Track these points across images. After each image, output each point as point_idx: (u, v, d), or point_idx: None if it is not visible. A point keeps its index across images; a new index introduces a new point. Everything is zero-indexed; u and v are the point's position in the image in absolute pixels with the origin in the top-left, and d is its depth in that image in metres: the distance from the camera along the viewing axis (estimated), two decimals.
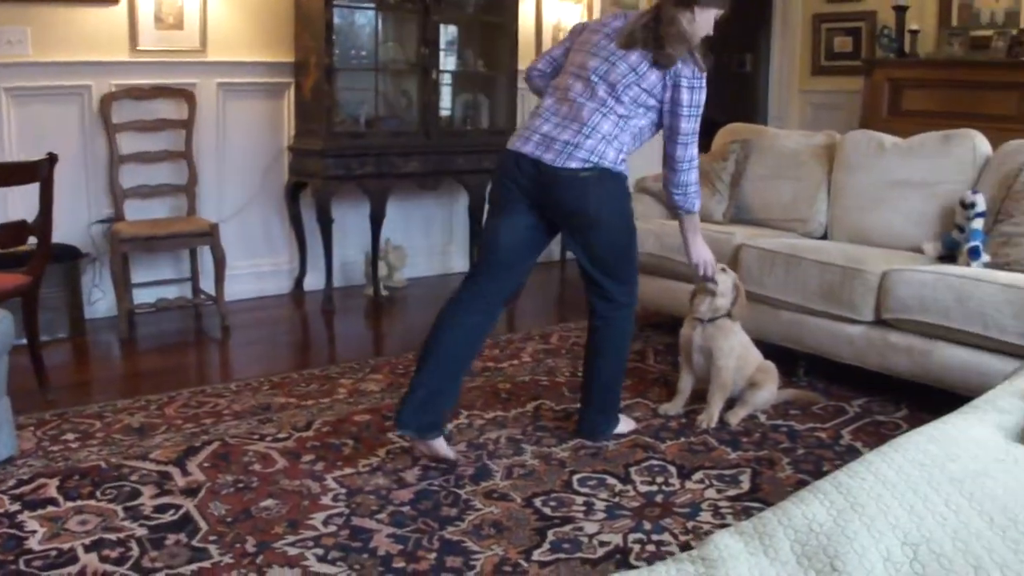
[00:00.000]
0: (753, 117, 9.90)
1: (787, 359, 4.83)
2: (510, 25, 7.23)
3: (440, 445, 3.82)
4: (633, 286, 4.04)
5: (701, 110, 3.80)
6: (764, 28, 10.48)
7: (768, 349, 4.64)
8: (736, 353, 4.34)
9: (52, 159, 4.42)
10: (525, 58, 7.36)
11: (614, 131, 3.72)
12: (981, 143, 5.09)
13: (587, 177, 3.68)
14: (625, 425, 4.22)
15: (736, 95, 11.90)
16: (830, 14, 9.25)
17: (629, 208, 3.93)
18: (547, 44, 8.10)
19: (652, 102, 3.77)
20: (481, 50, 7.33)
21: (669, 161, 3.89)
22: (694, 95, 3.75)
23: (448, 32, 7.25)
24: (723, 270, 4.33)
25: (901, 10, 8.15)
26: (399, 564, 3.02)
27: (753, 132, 6.24)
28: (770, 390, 4.42)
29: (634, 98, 3.73)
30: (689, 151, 3.84)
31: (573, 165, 3.67)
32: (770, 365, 4.48)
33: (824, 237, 5.51)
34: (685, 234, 4.13)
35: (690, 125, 3.79)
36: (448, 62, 7.29)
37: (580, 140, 3.68)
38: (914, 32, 8.05)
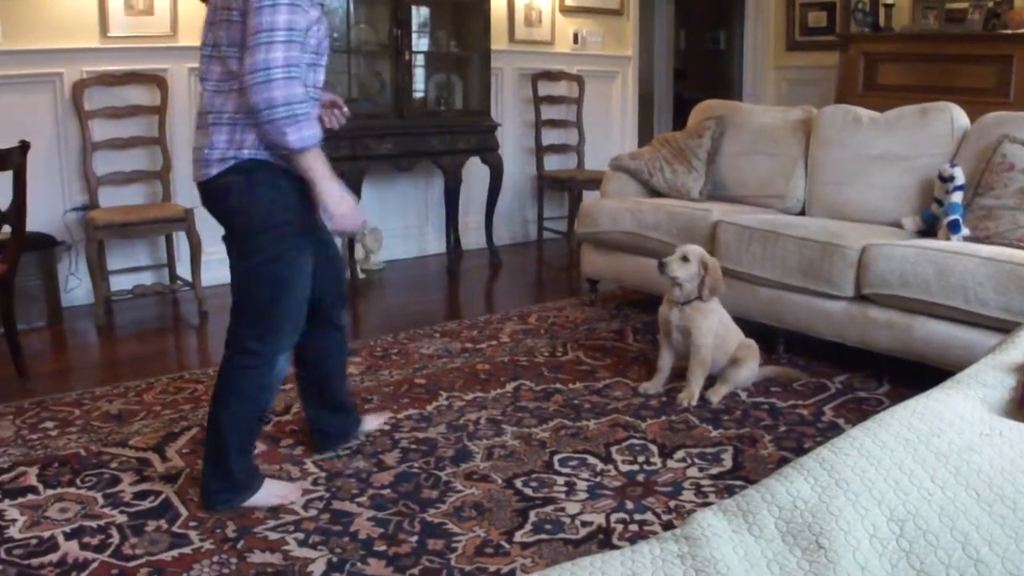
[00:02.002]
0: (728, 94, 9.90)
1: (766, 336, 4.83)
2: (482, 5, 7.20)
3: (368, 423, 3.92)
4: (268, 334, 3.18)
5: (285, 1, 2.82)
6: (738, 4, 10.50)
7: (747, 326, 4.63)
8: (714, 331, 4.32)
9: (24, 147, 4.39)
10: (498, 39, 7.36)
11: (243, 103, 2.91)
12: (959, 116, 5.08)
13: (230, 183, 3.03)
14: (272, 495, 3.36)
15: (711, 72, 11.95)
16: None
17: (279, 225, 3.08)
18: (519, 24, 8.10)
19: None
20: (454, 31, 7.29)
21: (242, 78, 2.83)
22: None
23: (420, 13, 7.20)
24: (684, 259, 4.28)
25: None
26: (380, 547, 3.00)
27: (728, 108, 6.23)
28: (751, 367, 4.41)
29: (235, 43, 2.91)
30: (266, 54, 2.78)
31: (213, 172, 3.03)
32: (751, 342, 4.46)
33: (802, 213, 5.50)
34: (310, 180, 3.00)
35: (266, 19, 2.79)
36: (421, 43, 7.25)
37: (213, 139, 3.01)
38: (889, 6, 8.05)
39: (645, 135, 9.59)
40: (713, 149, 5.87)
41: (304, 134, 2.86)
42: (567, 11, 8.45)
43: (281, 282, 3.11)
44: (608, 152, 7.37)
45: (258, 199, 3.03)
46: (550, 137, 8.26)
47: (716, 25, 12.16)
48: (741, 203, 5.65)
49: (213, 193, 3.07)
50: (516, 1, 8.06)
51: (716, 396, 4.28)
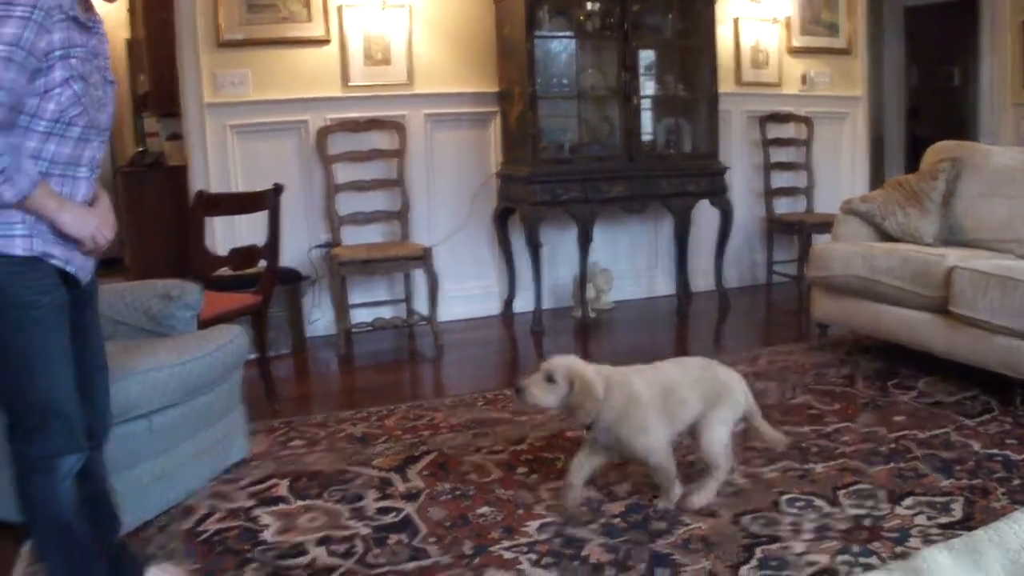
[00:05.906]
0: (964, 132, 9.62)
1: (1003, 386, 4.72)
2: (708, 48, 7.29)
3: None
4: (31, 431, 2.60)
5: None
6: (972, 38, 10.18)
7: (982, 376, 4.54)
8: None
9: (278, 189, 4.73)
10: (725, 81, 7.42)
11: None
12: None
13: None
14: None
15: (945, 110, 11.59)
16: None
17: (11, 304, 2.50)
18: (746, 66, 8.13)
19: None
20: (680, 74, 7.40)
21: None
22: None
23: (646, 57, 7.35)
24: None
25: None
26: (610, 572, 3.13)
27: (964, 149, 6.10)
28: None
29: None
30: None
31: None
32: None
33: None
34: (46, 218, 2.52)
35: None
36: (648, 87, 7.38)
37: None
38: None
39: (877, 176, 9.44)
40: (948, 192, 5.78)
41: (20, 186, 2.41)
42: (794, 52, 8.45)
43: (25, 369, 2.57)
44: (839, 195, 7.33)
45: None
46: (779, 180, 8.25)
47: (950, 61, 11.82)
48: (977, 248, 5.53)
49: None
50: (743, 43, 8.11)
51: None
